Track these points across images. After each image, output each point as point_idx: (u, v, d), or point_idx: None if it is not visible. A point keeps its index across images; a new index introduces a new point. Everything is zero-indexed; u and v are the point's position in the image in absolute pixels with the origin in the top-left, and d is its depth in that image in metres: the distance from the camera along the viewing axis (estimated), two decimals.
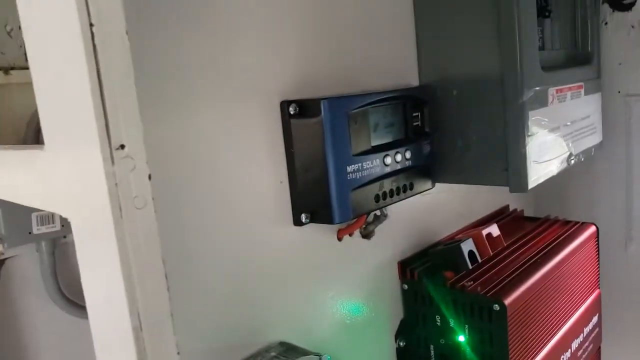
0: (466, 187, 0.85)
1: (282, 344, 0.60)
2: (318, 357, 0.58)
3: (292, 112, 0.59)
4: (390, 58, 0.76)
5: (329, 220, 0.61)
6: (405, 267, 0.77)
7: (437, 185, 0.78)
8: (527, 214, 1.05)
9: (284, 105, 0.60)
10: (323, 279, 0.66)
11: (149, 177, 0.40)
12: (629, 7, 0.96)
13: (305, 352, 0.58)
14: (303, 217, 0.62)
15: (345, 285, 0.70)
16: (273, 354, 0.58)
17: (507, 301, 0.67)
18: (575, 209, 1.07)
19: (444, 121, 0.76)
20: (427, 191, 0.76)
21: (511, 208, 1.03)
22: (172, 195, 0.50)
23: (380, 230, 0.74)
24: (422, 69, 0.78)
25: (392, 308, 0.77)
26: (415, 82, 0.79)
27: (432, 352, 0.76)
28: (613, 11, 0.97)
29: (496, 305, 0.66)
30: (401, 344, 0.78)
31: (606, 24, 0.98)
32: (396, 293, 0.78)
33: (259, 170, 0.59)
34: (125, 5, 0.39)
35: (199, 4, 0.52)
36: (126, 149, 0.37)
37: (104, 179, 0.36)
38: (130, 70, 0.38)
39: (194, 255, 0.52)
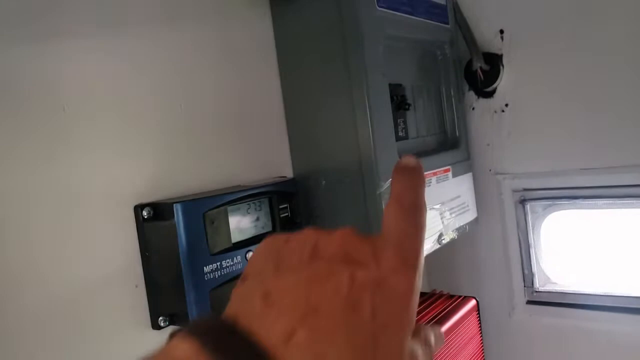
0: None
1: None
2: None
3: (145, 216, 0.60)
4: (262, 152, 0.79)
5: (187, 323, 0.60)
6: None
7: None
8: None
9: (138, 209, 0.60)
10: None
11: None
12: (491, 94, 1.06)
13: None
14: (161, 321, 0.61)
15: None
16: None
17: None
18: (462, 281, 1.12)
19: (316, 210, 0.79)
20: None
21: None
22: None
23: None
24: (294, 161, 0.82)
25: None
26: (289, 173, 0.82)
27: None
28: (478, 98, 1.07)
29: None
30: None
31: (473, 109, 1.08)
32: None
33: (111, 276, 0.58)
34: None
35: (38, 100, 0.53)
36: None
37: None
38: None
39: None
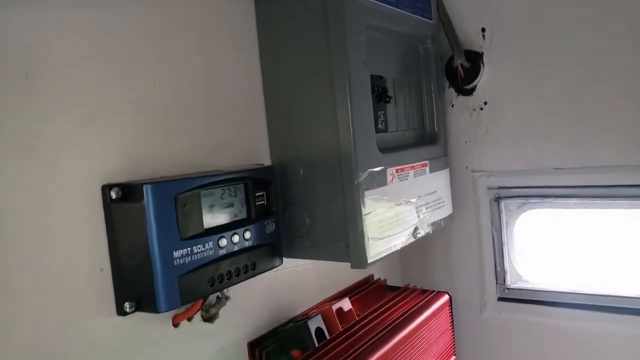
0: None
1: None
2: None
3: (114, 197, 0.58)
4: (240, 139, 0.77)
5: (154, 309, 0.58)
6: (255, 347, 0.76)
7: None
8: (393, 282, 1.09)
9: (106, 189, 0.58)
10: None
11: None
12: (470, 92, 1.07)
13: None
14: (127, 306, 0.59)
15: None
16: None
17: None
18: (437, 276, 1.13)
19: (293, 198, 0.78)
20: (280, 266, 0.76)
21: (376, 277, 1.06)
22: None
23: (226, 311, 0.72)
24: (272, 148, 0.81)
25: None
26: (267, 160, 0.81)
27: None
28: (458, 95, 1.08)
29: None
30: None
31: (453, 105, 1.08)
32: None
33: (74, 258, 0.56)
34: None
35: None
36: None
37: None
38: None
39: None
